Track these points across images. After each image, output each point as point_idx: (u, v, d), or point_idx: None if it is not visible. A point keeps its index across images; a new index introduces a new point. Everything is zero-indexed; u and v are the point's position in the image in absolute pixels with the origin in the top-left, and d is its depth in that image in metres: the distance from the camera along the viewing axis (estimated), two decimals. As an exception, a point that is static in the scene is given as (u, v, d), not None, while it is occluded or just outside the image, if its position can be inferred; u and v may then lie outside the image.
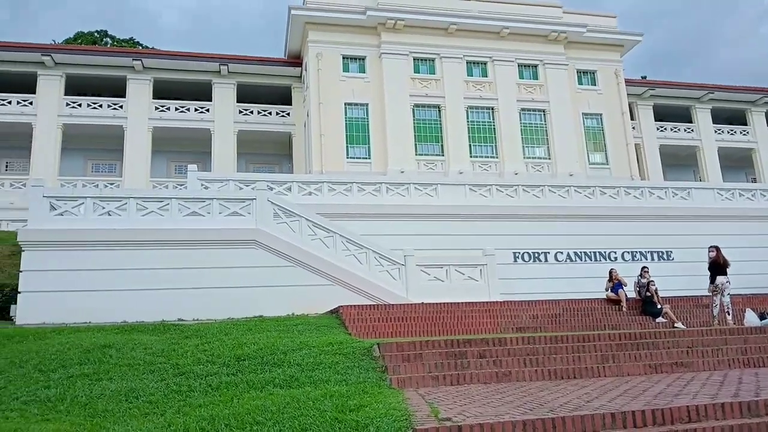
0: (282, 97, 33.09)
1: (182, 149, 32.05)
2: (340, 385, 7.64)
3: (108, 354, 9.51)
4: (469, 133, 29.73)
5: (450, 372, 8.66)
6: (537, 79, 31.62)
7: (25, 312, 13.90)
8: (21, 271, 14.35)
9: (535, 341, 10.20)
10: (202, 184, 19.50)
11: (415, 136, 29.05)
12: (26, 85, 29.92)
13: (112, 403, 7.20)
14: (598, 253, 21.55)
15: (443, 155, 29.11)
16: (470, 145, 29.60)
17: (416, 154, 28.77)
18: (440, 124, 29.56)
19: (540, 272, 20.81)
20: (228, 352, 9.46)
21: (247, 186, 19.36)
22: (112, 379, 8.25)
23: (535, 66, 31.72)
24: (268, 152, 33.56)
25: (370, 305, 14.35)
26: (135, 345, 10.10)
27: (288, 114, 32.02)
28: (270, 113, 31.87)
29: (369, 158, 28.34)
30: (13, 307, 14.41)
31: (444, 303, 14.42)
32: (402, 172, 27.11)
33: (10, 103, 29.03)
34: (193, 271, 14.99)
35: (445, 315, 13.71)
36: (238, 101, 31.67)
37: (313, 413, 5.91)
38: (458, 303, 14.46)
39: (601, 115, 32.08)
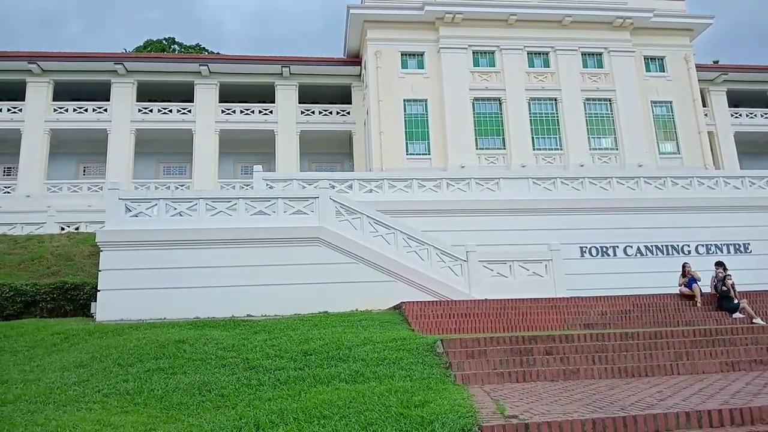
0: (342, 96, 33.47)
1: (247, 150, 32.98)
2: (405, 380, 7.68)
3: (182, 349, 9.90)
4: (531, 125, 29.18)
5: (515, 369, 8.54)
6: (602, 67, 30.64)
7: (104, 309, 14.66)
8: (100, 271, 15.13)
9: (604, 338, 9.91)
10: (267, 184, 19.98)
11: (475, 130, 28.76)
12: (101, 93, 31.53)
13: (186, 396, 7.50)
14: (670, 247, 20.69)
15: (505, 149, 28.69)
16: (533, 138, 29.05)
17: (477, 149, 28.49)
18: (501, 117, 29.14)
19: (608, 267, 20.15)
20: (295, 347, 9.67)
21: (309, 185, 19.70)
22: (186, 373, 8.59)
23: (600, 54, 30.75)
24: (330, 151, 34.04)
25: (432, 301, 14.32)
26: (207, 340, 10.48)
27: (348, 113, 32.37)
28: (331, 113, 32.31)
29: (428, 154, 28.28)
30: (93, 304, 15.22)
31: (508, 299, 14.21)
32: (462, 167, 26.90)
33: (86, 110, 30.65)
34: (260, 269, 15.39)
35: (509, 311, 13.50)
36: (299, 102, 32.28)
37: (378, 408, 5.97)
38: (523, 299, 14.21)
39: (671, 102, 30.76)
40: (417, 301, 13.96)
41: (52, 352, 11.29)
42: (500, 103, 29.28)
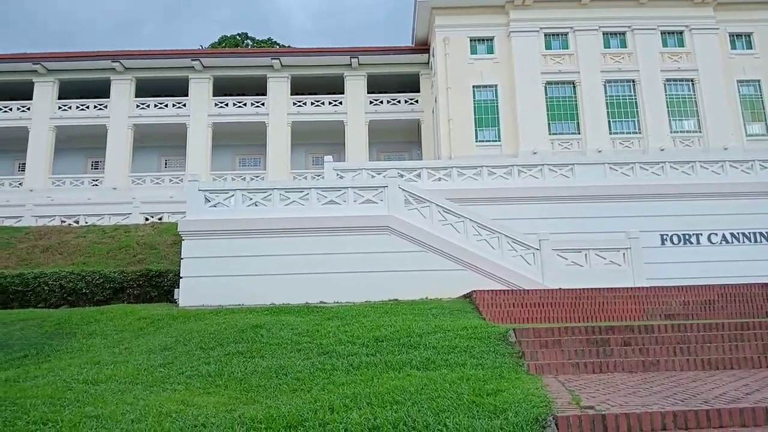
0: (410, 84, 33.42)
1: (318, 141, 33.56)
2: (476, 369, 7.64)
3: (259, 334, 10.26)
4: (607, 108, 28.12)
5: (591, 360, 8.32)
6: (683, 46, 29.07)
7: (187, 295, 15.39)
8: (181, 259, 15.88)
9: (686, 329, 9.49)
10: (337, 174, 20.29)
11: (548, 114, 28.02)
12: (179, 88, 32.89)
13: (264, 379, 7.77)
14: (758, 234, 19.45)
15: (579, 133, 27.81)
16: (609, 122, 28.00)
17: (549, 134, 27.75)
18: (575, 100, 28.23)
19: (691, 255, 19.20)
20: (367, 334, 9.81)
21: (378, 174, 19.83)
22: (264, 356, 8.90)
23: (681, 32, 29.17)
24: (398, 140, 34.11)
25: (504, 290, 14.15)
26: (283, 326, 10.81)
27: (416, 101, 32.30)
28: (399, 101, 32.35)
29: (499, 141, 27.82)
30: (176, 290, 16.00)
31: (583, 289, 13.83)
32: (534, 153, 26.31)
33: (166, 106, 32.08)
34: (331, 257, 15.69)
35: (584, 301, 13.14)
36: (368, 92, 32.49)
37: (450, 395, 5.98)
38: (599, 289, 13.78)
39: (759, 81, 28.82)
40: (488, 290, 13.83)
41: (139, 336, 11.96)
42: (574, 87, 28.36)
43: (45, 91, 31.91)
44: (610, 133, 27.81)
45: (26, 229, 21.93)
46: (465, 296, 14.30)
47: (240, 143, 33.84)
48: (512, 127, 27.67)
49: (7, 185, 30.69)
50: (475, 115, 28.03)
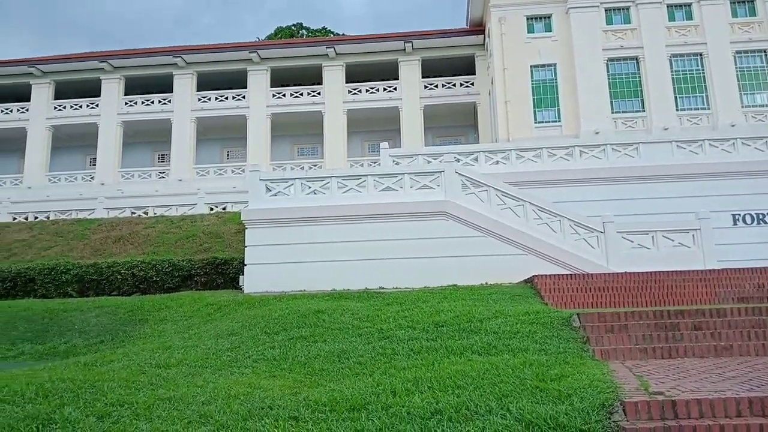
0: (465, 67, 32.98)
1: (373, 128, 33.65)
2: (539, 354, 7.54)
3: (321, 319, 10.45)
4: (673, 83, 26.92)
5: (660, 345, 8.05)
6: (755, 15, 27.41)
7: (251, 282, 15.83)
8: (245, 247, 16.32)
9: (761, 312, 9.04)
10: (393, 160, 20.30)
11: (610, 92, 27.06)
12: (238, 81, 33.62)
13: (327, 363, 7.92)
14: (843, 212, 18.25)
15: (644, 111, 26.76)
16: (676, 98, 26.80)
17: (612, 112, 26.83)
18: (639, 77, 27.15)
19: (766, 236, 18.22)
20: (426, 319, 9.83)
21: (434, 159, 19.72)
22: (326, 341, 9.06)
23: (752, 0, 27.48)
24: (454, 124, 33.78)
25: (566, 275, 13.85)
26: (343, 311, 10.96)
27: (472, 84, 31.85)
28: (454, 85, 31.98)
29: (559, 121, 27.11)
30: (241, 277, 16.49)
31: (650, 272, 13.36)
32: (596, 132, 25.50)
33: (226, 98, 32.87)
34: (389, 243, 15.76)
35: (652, 284, 12.70)
36: (422, 76, 32.26)
37: (513, 380, 5.92)
38: (667, 272, 13.28)
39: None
40: (550, 275, 13.58)
41: (207, 321, 12.42)
42: (637, 62, 27.26)
43: (112, 87, 33.27)
44: (677, 110, 26.63)
45: (99, 220, 23.04)
46: (526, 281, 14.10)
47: (297, 133, 34.33)
48: (572, 106, 26.89)
49: (80, 179, 32.30)
50: (533, 95, 27.39)
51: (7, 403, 5.33)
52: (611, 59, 27.36)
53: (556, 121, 27.12)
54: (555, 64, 27.61)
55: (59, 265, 17.63)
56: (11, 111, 33.58)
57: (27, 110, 33.37)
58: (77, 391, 5.89)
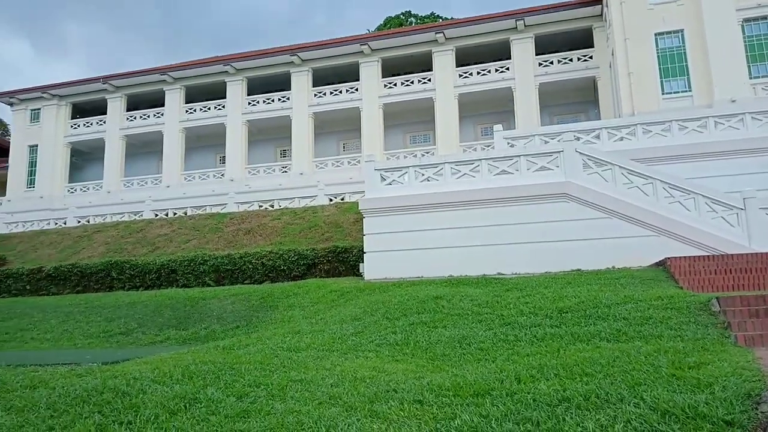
0: (582, 41, 31.40)
1: (486, 111, 33.07)
2: (675, 340, 7.09)
3: (440, 305, 10.51)
4: (825, 41, 23.91)
5: (817, 331, 7.27)
6: None
7: (370, 269, 16.24)
8: (364, 235, 16.76)
9: None
10: (507, 143, 19.83)
11: (747, 56, 24.55)
12: (350, 74, 34.37)
13: (448, 348, 7.97)
14: None
15: (789, 73, 24.04)
16: (828, 56, 23.81)
17: (750, 78, 24.34)
18: (782, 36, 24.40)
19: None
20: (549, 305, 9.58)
21: (552, 139, 19.02)
22: (446, 327, 9.11)
23: None
24: (571, 101, 32.33)
25: (702, 256, 12.86)
26: (462, 297, 10.95)
27: (590, 57, 30.26)
28: (571, 60, 30.57)
29: (689, 90, 25.04)
30: (360, 265, 16.97)
31: (802, 250, 12.09)
32: (733, 101, 23.29)
33: (340, 92, 33.73)
34: (506, 228, 15.47)
35: (804, 265, 11.48)
36: (536, 54, 31.17)
37: (646, 368, 5.62)
38: (822, 250, 11.95)
39: None
40: (684, 256, 12.70)
41: (332, 307, 12.92)
42: (780, 20, 24.51)
43: (236, 89, 35.33)
44: (832, 69, 23.67)
45: (230, 214, 24.67)
46: (657, 264, 13.29)
47: (409, 121, 34.53)
48: (704, 74, 24.73)
49: (211, 177, 34.72)
50: (659, 65, 25.49)
51: (158, 383, 5.88)
52: (747, 20, 24.79)
53: (685, 91, 25.09)
54: (682, 30, 25.49)
55: (197, 257, 19.13)
56: (148, 116, 36.75)
57: (162, 115, 36.35)
58: (218, 373, 6.38)
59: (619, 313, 8.59)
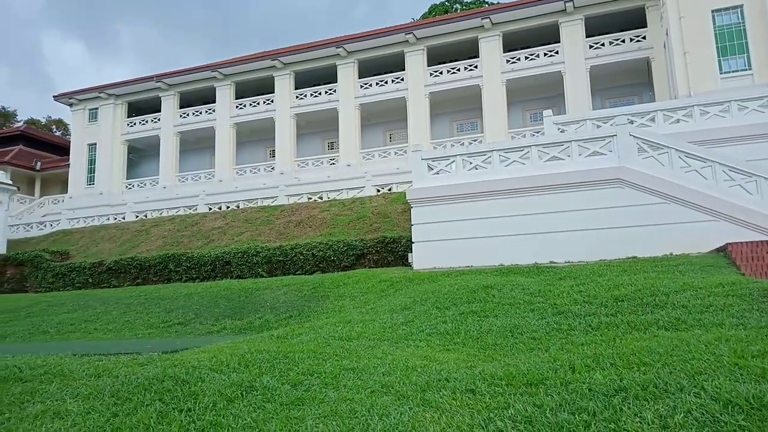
0: (633, 21, 30.34)
1: (534, 96, 32.45)
2: (737, 329, 6.82)
3: (491, 294, 10.42)
4: None
5: None
6: None
7: (419, 259, 16.24)
8: (412, 225, 16.76)
9: None
10: (558, 128, 19.42)
11: (814, 30, 23.23)
12: (396, 64, 34.28)
13: (500, 338, 7.90)
14: None
15: None
16: None
17: (817, 53, 23.04)
18: None
19: None
20: (604, 293, 9.36)
21: (604, 123, 18.52)
22: (497, 316, 9.04)
23: None
24: (624, 83, 31.34)
25: (766, 241, 12.31)
26: (513, 286, 10.83)
27: (643, 38, 29.23)
28: (623, 41, 29.60)
29: (749, 69, 23.88)
30: (409, 255, 16.99)
31: None
32: (799, 78, 22.10)
33: (385, 83, 33.71)
34: (558, 215, 15.18)
35: None
36: (586, 36, 30.32)
37: (706, 357, 5.43)
38: None
39: None
40: (746, 242, 12.21)
41: (381, 297, 13.00)
42: None
43: (284, 83, 35.78)
44: None
45: (281, 207, 25.09)
46: (717, 250, 12.81)
47: (456, 109, 34.22)
48: (765, 52, 23.54)
49: (262, 170, 35.36)
50: (716, 43, 24.40)
51: (216, 372, 6.06)
52: (816, -10, 23.41)
53: (745, 70, 23.94)
54: (741, 6, 24.28)
55: (250, 248, 19.57)
56: (201, 113, 37.65)
57: (213, 111, 37.19)
58: (273, 362, 6.52)
59: (678, 301, 8.32)
